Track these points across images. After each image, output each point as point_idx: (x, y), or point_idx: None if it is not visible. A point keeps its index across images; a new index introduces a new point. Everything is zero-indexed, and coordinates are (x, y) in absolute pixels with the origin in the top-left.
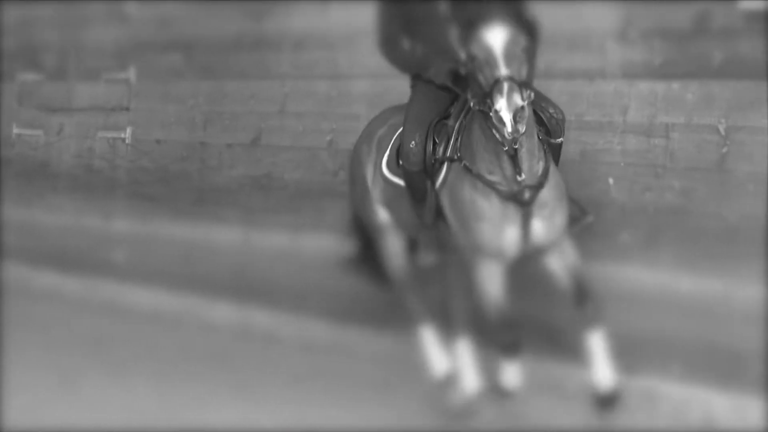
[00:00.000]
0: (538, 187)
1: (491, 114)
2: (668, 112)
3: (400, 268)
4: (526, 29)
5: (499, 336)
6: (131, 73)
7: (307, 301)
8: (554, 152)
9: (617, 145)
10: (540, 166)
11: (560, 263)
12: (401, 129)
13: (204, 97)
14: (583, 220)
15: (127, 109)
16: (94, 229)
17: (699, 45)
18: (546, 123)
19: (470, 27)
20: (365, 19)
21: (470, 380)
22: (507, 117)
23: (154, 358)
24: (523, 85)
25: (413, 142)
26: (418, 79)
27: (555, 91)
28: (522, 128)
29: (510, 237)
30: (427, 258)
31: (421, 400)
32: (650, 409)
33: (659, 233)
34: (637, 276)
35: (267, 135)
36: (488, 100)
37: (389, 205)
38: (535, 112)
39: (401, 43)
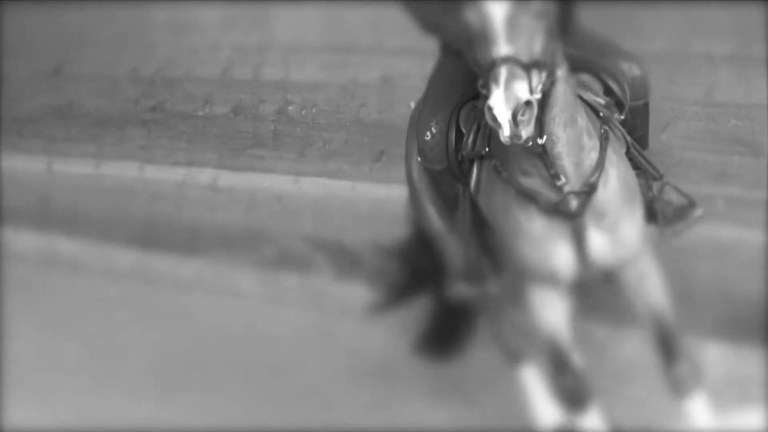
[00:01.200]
0: (588, 191)
1: (485, 111)
2: None
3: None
4: None
5: (556, 381)
6: None
7: (110, 229)
8: (637, 120)
9: (419, 69)
10: (592, 159)
11: (640, 295)
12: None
13: (4, 26)
14: (688, 215)
15: None
16: None
17: None
18: (616, 85)
19: None
20: None
21: (547, 414)
22: (503, 116)
23: None
24: (536, 66)
25: (429, 133)
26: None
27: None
28: (526, 133)
29: (561, 257)
30: (460, 289)
31: (222, 327)
32: None
33: None
34: None
35: (69, 64)
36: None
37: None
38: (598, 77)
39: None
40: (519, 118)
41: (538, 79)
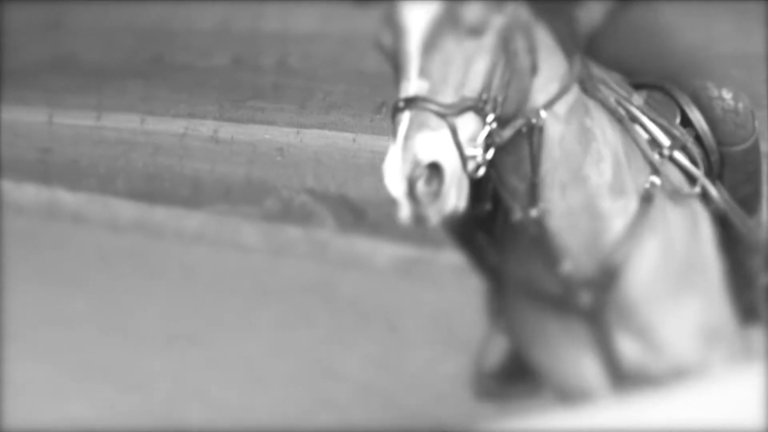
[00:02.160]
0: (605, 281)
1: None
2: None
3: None
4: None
5: None
6: None
7: (112, 181)
8: (736, 173)
9: None
10: (615, 229)
11: None
12: None
13: None
14: None
15: None
16: None
17: None
18: (696, 121)
19: None
20: None
21: None
22: (395, 186)
23: None
24: (472, 108)
25: None
26: None
27: None
28: (436, 213)
29: (588, 370)
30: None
31: (226, 280)
32: None
33: None
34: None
35: (68, 16)
36: None
37: None
38: (674, 99)
39: None
40: (419, 189)
41: (478, 125)
